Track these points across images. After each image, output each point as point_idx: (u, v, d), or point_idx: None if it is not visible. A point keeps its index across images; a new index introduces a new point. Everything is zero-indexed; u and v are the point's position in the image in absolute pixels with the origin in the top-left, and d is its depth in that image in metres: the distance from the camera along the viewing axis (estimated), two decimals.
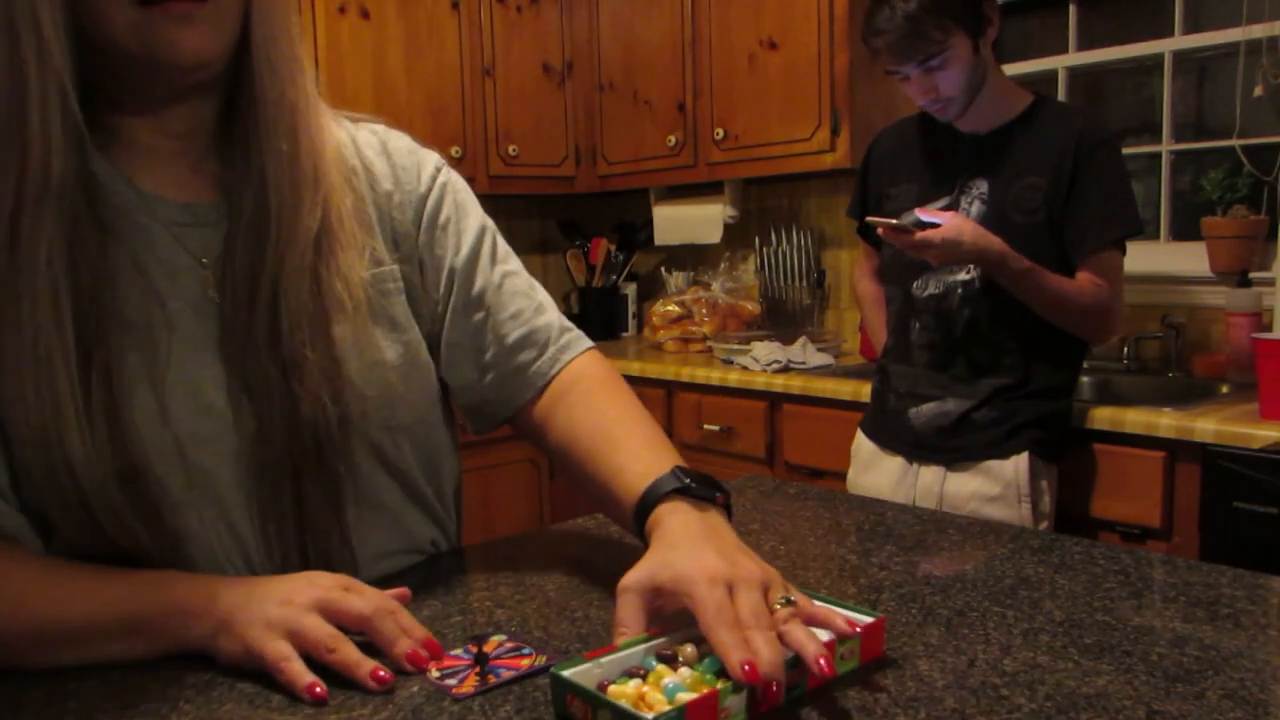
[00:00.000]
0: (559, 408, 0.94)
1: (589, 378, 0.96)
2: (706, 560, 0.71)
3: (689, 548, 0.73)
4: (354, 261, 0.87)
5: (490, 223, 1.02)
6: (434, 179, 0.98)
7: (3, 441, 0.78)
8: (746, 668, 0.63)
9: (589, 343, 1.00)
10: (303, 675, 0.69)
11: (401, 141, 0.99)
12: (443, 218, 0.97)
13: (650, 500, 0.80)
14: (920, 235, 1.71)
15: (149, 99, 0.82)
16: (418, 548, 0.99)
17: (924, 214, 1.73)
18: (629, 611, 0.71)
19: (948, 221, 1.71)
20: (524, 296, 0.98)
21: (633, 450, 0.86)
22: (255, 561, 0.85)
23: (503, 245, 1.02)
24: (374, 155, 0.96)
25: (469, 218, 0.99)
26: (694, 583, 0.69)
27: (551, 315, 0.99)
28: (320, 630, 0.72)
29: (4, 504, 0.79)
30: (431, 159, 1.00)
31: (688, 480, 0.80)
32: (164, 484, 0.80)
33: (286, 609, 0.73)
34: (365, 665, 0.71)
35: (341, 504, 0.87)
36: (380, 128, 0.99)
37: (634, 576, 0.72)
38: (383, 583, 0.93)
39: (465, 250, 0.97)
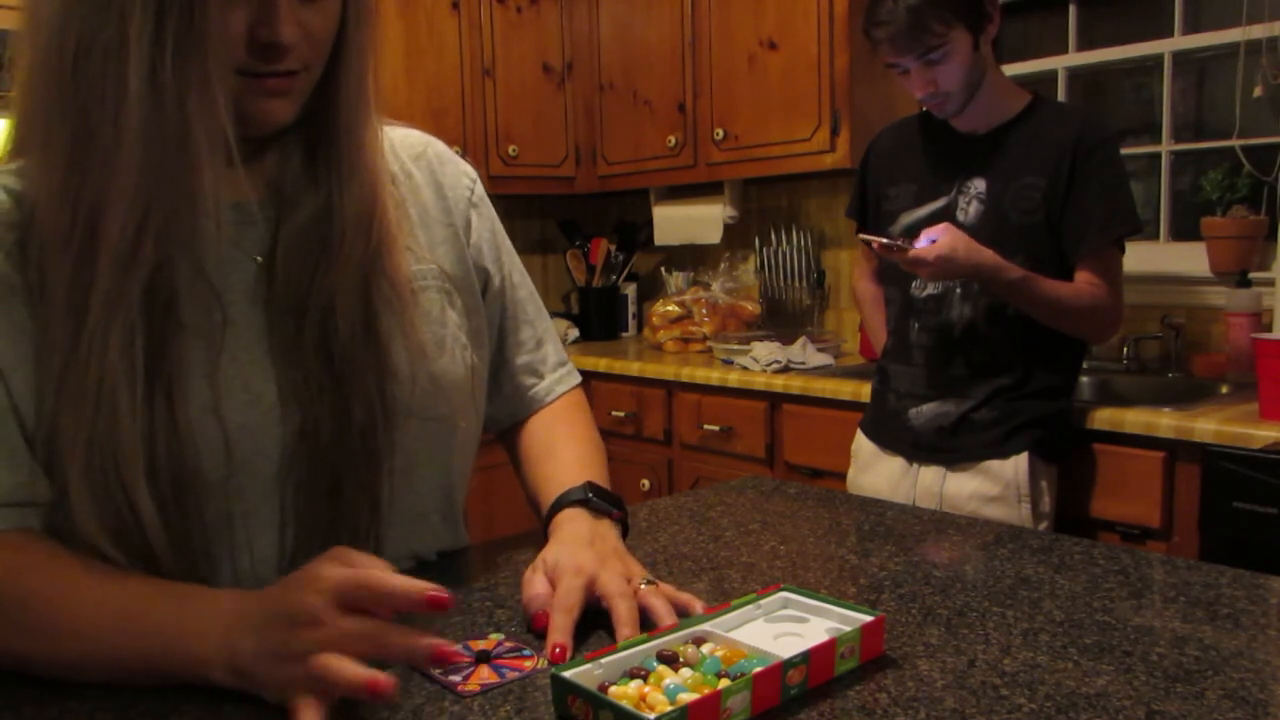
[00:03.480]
0: (532, 424, 1.08)
1: (564, 408, 1.10)
2: (580, 557, 0.84)
3: (571, 545, 0.87)
4: (400, 261, 0.89)
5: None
6: (472, 190, 1.03)
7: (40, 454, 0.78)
8: (557, 650, 0.76)
9: (578, 378, 1.14)
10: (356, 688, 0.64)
11: (440, 148, 1.04)
12: (483, 231, 1.03)
13: (557, 506, 0.95)
14: (914, 253, 1.71)
15: None
16: (429, 556, 0.99)
17: (924, 236, 1.73)
18: (538, 584, 0.84)
19: (941, 237, 1.71)
20: (531, 326, 1.09)
21: (563, 464, 1.01)
22: (285, 555, 0.85)
23: (520, 263, 1.10)
24: (413, 161, 0.99)
25: (504, 237, 1.07)
26: (562, 572, 0.83)
27: (549, 346, 1.10)
28: (340, 677, 0.65)
29: (42, 482, 0.78)
30: (469, 170, 1.06)
31: (590, 495, 0.94)
32: (205, 475, 0.80)
33: (290, 668, 0.66)
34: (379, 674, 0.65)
35: (379, 504, 0.88)
36: (416, 132, 1.03)
37: (535, 562, 0.87)
38: None
39: (503, 270, 1.05)
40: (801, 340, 2.71)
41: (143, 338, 0.76)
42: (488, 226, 1.04)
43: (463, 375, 0.96)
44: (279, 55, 0.77)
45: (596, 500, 0.94)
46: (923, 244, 1.72)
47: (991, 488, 1.83)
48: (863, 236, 1.90)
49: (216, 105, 0.74)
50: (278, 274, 0.84)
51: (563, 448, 1.04)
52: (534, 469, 1.04)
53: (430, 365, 0.91)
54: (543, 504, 0.98)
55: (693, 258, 3.53)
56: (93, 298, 0.74)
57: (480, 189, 1.05)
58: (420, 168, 1.00)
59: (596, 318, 3.61)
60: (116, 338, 0.75)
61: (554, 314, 3.63)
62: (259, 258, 0.85)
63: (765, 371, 2.60)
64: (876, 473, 1.99)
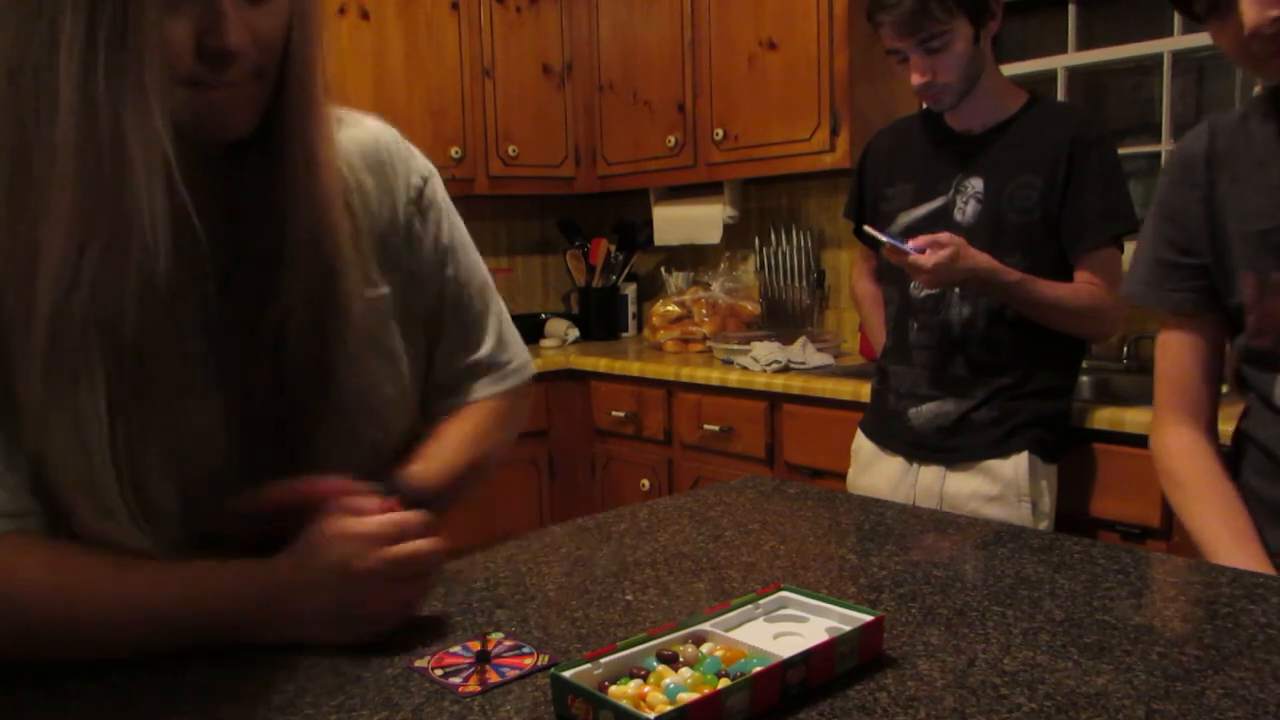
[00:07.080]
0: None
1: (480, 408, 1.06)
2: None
3: None
4: (353, 289, 0.87)
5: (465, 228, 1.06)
6: (421, 191, 0.98)
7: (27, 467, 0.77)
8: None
9: (512, 381, 1.07)
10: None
11: (390, 145, 0.98)
12: (430, 238, 0.99)
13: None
14: (914, 258, 1.71)
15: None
16: None
17: (910, 245, 1.73)
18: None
19: (940, 253, 1.70)
20: (477, 325, 1.04)
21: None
22: None
23: (472, 249, 1.06)
24: (365, 169, 0.94)
25: (458, 230, 1.03)
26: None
27: (486, 345, 1.05)
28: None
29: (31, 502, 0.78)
30: (420, 168, 1.00)
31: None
32: (167, 511, 0.81)
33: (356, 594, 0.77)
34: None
35: None
36: (369, 127, 0.97)
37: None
38: None
39: (456, 271, 1.02)
40: (801, 340, 2.71)
41: (105, 375, 0.74)
42: (433, 230, 0.99)
43: (411, 401, 0.98)
44: (229, 63, 0.74)
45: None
46: (913, 250, 1.72)
47: (991, 487, 1.83)
48: (867, 229, 1.89)
49: (153, 120, 0.70)
50: (226, 308, 0.82)
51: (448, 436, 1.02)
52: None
53: (380, 399, 0.93)
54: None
55: (693, 258, 3.53)
56: (36, 324, 0.72)
57: (432, 187, 1.00)
58: (371, 175, 0.94)
59: (596, 318, 3.60)
60: (80, 362, 0.74)
61: (554, 314, 3.63)
62: (208, 285, 0.83)
63: (765, 371, 2.60)
64: (876, 473, 1.99)
